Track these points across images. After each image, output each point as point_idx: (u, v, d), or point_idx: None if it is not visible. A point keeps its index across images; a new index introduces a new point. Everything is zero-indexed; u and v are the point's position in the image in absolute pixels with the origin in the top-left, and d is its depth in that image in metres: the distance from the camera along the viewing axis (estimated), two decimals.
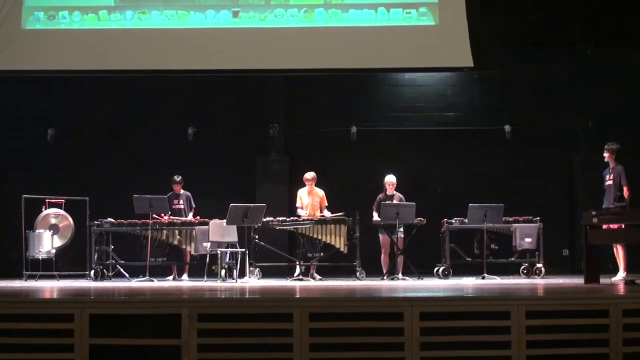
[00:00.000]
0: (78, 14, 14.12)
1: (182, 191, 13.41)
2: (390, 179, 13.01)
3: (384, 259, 12.84)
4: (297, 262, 12.81)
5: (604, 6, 15.08)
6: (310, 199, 12.95)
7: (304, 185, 13.02)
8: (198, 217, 13.01)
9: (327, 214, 12.80)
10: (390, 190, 12.97)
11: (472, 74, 15.30)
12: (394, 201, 12.85)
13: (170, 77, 14.82)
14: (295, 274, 12.64)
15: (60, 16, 14.14)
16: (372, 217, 12.79)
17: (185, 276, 13.07)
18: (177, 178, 13.37)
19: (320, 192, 13.03)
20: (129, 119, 15.52)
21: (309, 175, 12.98)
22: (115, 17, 14.14)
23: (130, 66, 14.17)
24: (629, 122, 14.99)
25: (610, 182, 11.14)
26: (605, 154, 11.27)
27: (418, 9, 14.18)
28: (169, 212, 12.99)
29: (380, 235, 12.88)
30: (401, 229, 12.74)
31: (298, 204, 13.05)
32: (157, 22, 14.17)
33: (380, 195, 12.99)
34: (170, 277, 13.07)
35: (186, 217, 13.18)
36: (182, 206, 13.32)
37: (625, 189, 10.95)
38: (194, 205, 13.43)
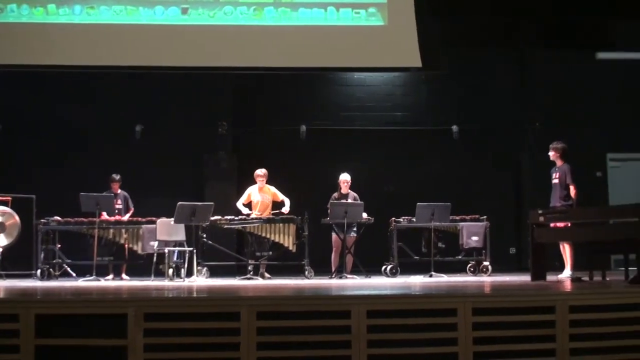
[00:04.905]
0: (26, 7, 13.96)
1: (119, 190, 13.16)
2: (344, 177, 13.01)
3: (334, 257, 12.84)
4: (246, 261, 12.75)
5: (552, 7, 15.27)
6: (261, 196, 12.88)
7: (253, 183, 12.96)
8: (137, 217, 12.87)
9: (287, 206, 12.72)
10: (344, 189, 12.98)
11: (421, 74, 15.40)
12: (349, 200, 12.86)
13: (118, 73, 14.66)
14: (247, 274, 12.55)
15: (8, 9, 13.97)
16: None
17: (124, 275, 12.92)
18: (117, 176, 13.08)
19: (272, 189, 12.95)
20: (76, 115, 15.26)
21: (261, 171, 12.89)
22: (64, 11, 14.01)
23: (78, 61, 14.02)
24: (576, 123, 15.18)
25: (556, 181, 11.21)
26: (551, 153, 11.33)
27: (367, 9, 14.26)
28: (115, 212, 12.87)
29: (333, 234, 12.88)
30: (354, 228, 12.78)
31: (243, 200, 12.89)
32: (106, 17, 14.07)
33: (335, 194, 12.98)
34: (110, 277, 12.83)
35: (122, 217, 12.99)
36: (120, 206, 13.07)
37: (571, 187, 11.01)
38: (131, 207, 13.16)
